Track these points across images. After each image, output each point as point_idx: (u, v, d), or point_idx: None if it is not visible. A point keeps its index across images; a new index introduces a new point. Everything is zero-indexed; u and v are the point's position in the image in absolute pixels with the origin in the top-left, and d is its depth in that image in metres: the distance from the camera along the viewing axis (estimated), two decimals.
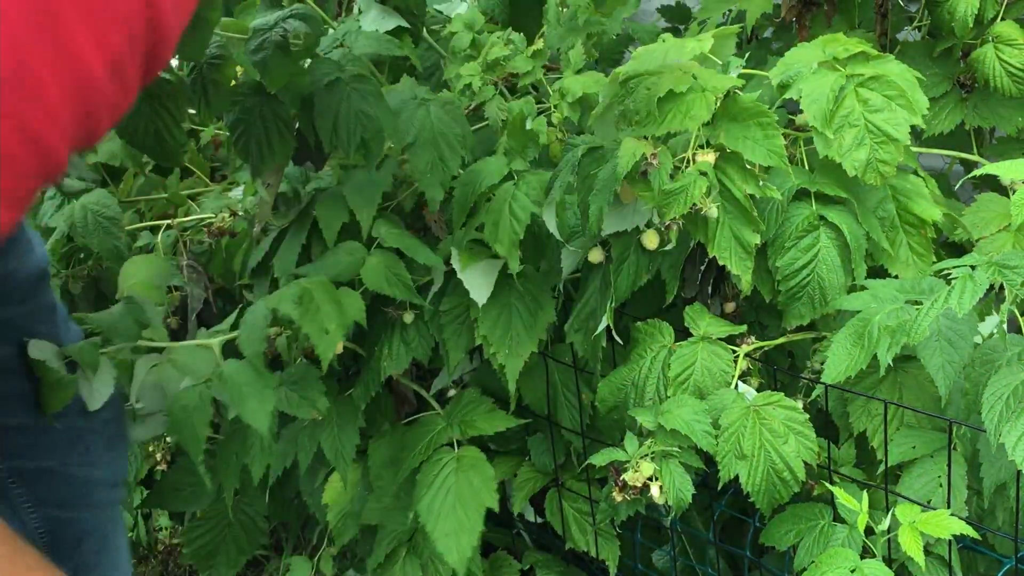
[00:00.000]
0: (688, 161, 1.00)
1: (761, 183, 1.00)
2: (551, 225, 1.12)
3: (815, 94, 1.01)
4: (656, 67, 1.03)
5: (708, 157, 1.00)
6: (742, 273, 1.03)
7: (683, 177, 0.98)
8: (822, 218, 1.03)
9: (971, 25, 1.17)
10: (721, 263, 1.03)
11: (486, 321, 1.17)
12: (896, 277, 1.05)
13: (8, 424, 1.25)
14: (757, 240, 1.02)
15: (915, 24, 1.35)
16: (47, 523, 1.32)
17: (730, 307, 1.14)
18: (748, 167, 1.00)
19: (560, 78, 1.27)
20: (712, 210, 1.00)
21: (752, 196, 1.01)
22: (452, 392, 1.32)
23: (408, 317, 1.23)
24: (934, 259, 1.06)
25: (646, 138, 1.01)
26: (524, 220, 1.12)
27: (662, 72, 1.02)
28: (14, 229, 1.23)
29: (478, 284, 1.16)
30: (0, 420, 1.23)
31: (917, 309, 0.89)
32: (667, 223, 1.01)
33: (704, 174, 0.98)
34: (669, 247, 1.05)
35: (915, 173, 1.07)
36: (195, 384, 1.15)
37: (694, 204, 0.97)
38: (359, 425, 1.26)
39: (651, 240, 1.05)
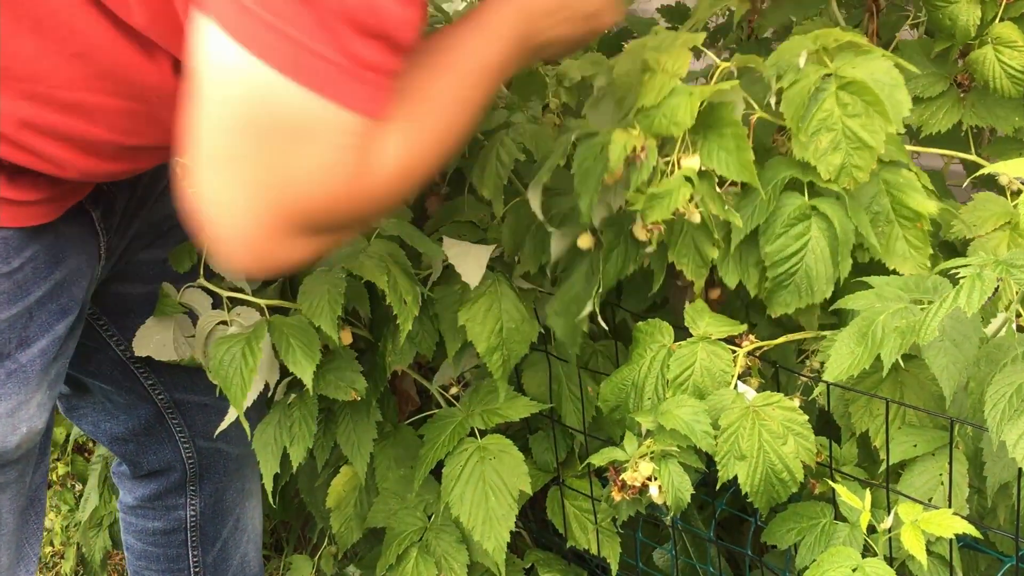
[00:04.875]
0: (673, 164, 1.01)
1: (727, 207, 1.02)
2: (535, 206, 1.12)
3: (794, 96, 1.01)
4: (646, 61, 1.04)
5: (692, 162, 1.01)
6: (696, 279, 1.06)
7: (668, 183, 1.00)
8: (813, 208, 1.03)
9: (973, 33, 1.16)
10: (678, 268, 1.06)
11: (474, 322, 1.18)
12: (894, 271, 1.05)
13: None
14: (715, 254, 1.05)
15: (910, 22, 1.35)
16: (197, 453, 1.41)
17: (715, 293, 1.15)
18: (717, 190, 1.02)
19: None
20: (695, 215, 1.02)
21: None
22: (454, 389, 1.32)
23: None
24: (931, 252, 1.06)
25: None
26: (508, 165, 1.18)
27: (651, 71, 1.03)
28: None
29: (470, 267, 1.16)
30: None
31: (923, 309, 0.89)
32: (650, 226, 1.02)
33: (689, 180, 0.99)
34: (650, 250, 1.07)
35: (907, 168, 1.07)
36: (241, 331, 1.19)
37: (677, 209, 0.99)
38: (376, 418, 1.26)
39: (642, 231, 1.05)
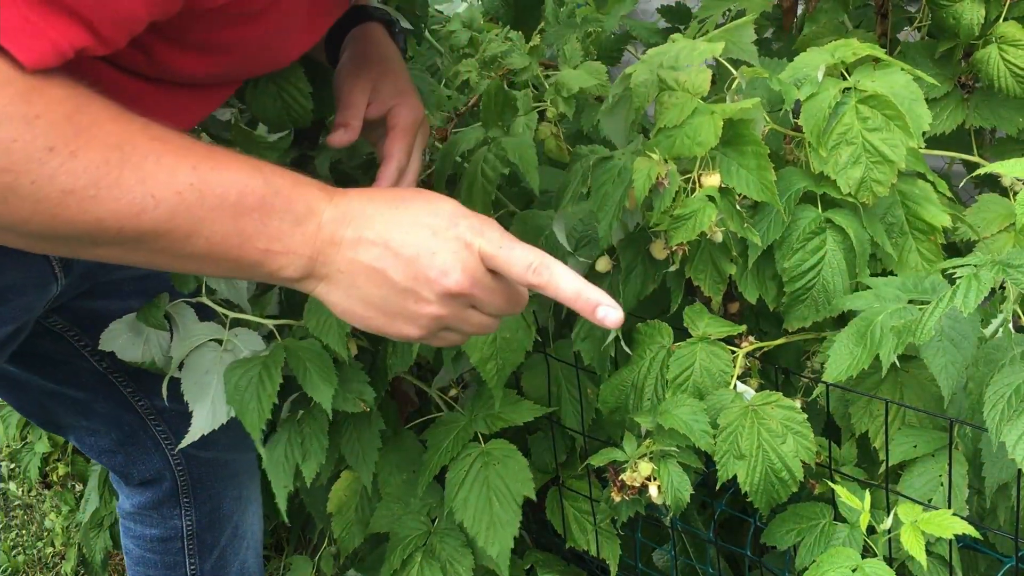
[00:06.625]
0: (694, 182, 1.00)
1: (745, 225, 1.01)
2: (560, 237, 1.11)
3: (813, 109, 1.01)
4: (663, 80, 1.03)
5: (713, 179, 1.00)
6: (714, 295, 1.05)
7: (691, 202, 0.98)
8: (828, 221, 1.02)
9: (977, 32, 1.16)
10: (696, 284, 1.05)
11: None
12: None
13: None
14: (732, 270, 1.04)
15: (915, 24, 1.35)
16: (185, 460, 1.40)
17: (734, 307, 1.14)
18: (737, 208, 1.01)
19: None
20: (718, 235, 1.01)
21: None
22: (453, 391, 1.31)
23: None
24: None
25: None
26: (495, 180, 1.16)
27: (670, 91, 1.02)
28: None
29: None
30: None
31: (921, 309, 0.89)
32: (674, 247, 1.01)
33: (712, 199, 0.98)
34: (673, 269, 1.06)
35: (923, 178, 1.07)
36: (255, 355, 1.17)
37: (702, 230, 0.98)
38: (379, 426, 1.25)
39: (659, 251, 1.05)
